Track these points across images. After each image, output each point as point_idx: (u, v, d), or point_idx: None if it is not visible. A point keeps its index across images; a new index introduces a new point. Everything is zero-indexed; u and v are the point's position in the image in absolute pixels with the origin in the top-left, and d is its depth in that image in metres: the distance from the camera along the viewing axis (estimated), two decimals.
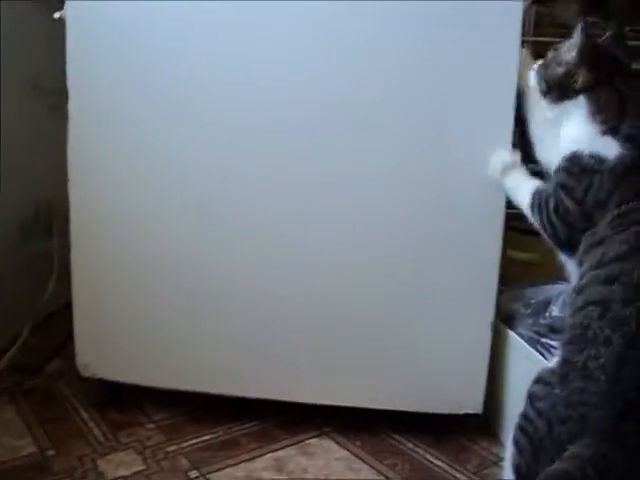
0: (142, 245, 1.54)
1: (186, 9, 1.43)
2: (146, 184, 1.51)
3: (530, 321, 1.56)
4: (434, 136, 1.45)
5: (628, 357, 1.05)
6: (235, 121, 1.46)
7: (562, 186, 1.26)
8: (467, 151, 1.45)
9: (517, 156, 1.41)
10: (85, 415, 1.60)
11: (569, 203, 1.24)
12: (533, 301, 1.59)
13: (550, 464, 1.08)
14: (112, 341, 1.57)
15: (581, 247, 1.21)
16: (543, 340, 1.51)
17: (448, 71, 1.42)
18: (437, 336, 1.52)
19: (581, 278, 1.18)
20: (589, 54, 1.28)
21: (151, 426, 1.57)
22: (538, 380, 1.17)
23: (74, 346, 1.58)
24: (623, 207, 1.17)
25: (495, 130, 1.43)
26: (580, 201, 1.22)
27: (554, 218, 1.27)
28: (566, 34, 1.77)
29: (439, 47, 1.41)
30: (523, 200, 1.35)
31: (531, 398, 1.17)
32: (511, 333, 1.55)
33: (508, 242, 1.64)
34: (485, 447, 1.56)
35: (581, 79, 1.28)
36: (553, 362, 1.19)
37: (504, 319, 1.61)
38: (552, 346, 1.50)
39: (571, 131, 1.28)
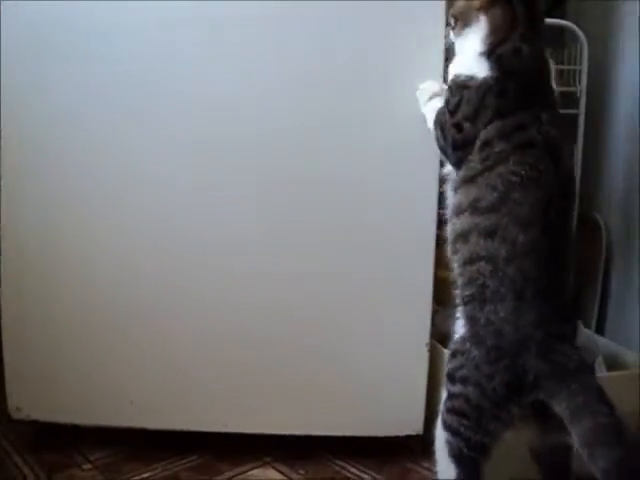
0: (72, 283, 1.51)
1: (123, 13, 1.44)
2: (78, 221, 1.50)
3: None
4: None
5: (522, 308, 1.16)
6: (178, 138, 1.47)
7: (446, 102, 1.32)
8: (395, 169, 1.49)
9: (440, 87, 1.43)
10: (18, 459, 1.54)
11: (447, 116, 1.30)
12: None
13: (494, 421, 1.17)
14: (44, 381, 1.53)
15: (459, 174, 1.27)
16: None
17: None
18: (374, 359, 1.53)
19: (457, 213, 1.24)
20: None
21: (88, 467, 1.53)
22: (454, 354, 1.24)
23: (4, 389, 1.53)
24: (487, 130, 1.22)
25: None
26: (452, 112, 1.28)
27: (437, 129, 1.33)
28: None
29: None
30: (430, 122, 1.39)
31: (451, 374, 1.22)
32: (447, 352, 1.57)
33: (443, 263, 1.66)
34: (428, 467, 1.56)
35: None
36: (459, 332, 1.25)
37: (440, 339, 1.62)
38: None
39: (464, 54, 1.32)
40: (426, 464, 1.57)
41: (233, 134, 1.47)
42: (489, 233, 1.18)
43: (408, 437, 1.56)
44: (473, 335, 1.20)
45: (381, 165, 1.49)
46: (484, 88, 1.24)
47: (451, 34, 1.39)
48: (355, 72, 1.46)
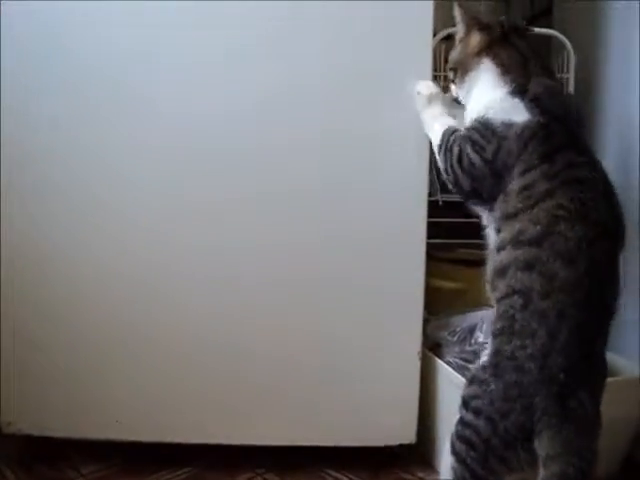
0: (63, 298, 1.51)
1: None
2: (68, 239, 1.50)
3: (457, 348, 1.59)
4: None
5: (552, 347, 1.10)
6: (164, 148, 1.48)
7: (471, 140, 1.27)
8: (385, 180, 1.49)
9: (438, 88, 1.43)
10: (10, 474, 1.54)
11: (476, 158, 1.25)
12: (459, 328, 1.61)
13: (501, 463, 1.13)
14: (35, 395, 1.53)
15: (497, 213, 1.23)
16: (470, 366, 1.54)
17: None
18: (366, 369, 1.53)
19: (500, 249, 1.19)
20: (474, 19, 1.35)
21: None
22: (472, 381, 1.19)
23: None
24: (527, 176, 1.19)
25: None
26: (489, 161, 1.24)
27: (457, 167, 1.29)
28: None
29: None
30: (435, 138, 1.37)
31: (466, 401, 1.18)
32: (439, 361, 1.58)
33: (434, 272, 1.67)
34: (421, 477, 1.57)
35: (475, 41, 1.33)
36: (484, 358, 1.20)
37: (431, 348, 1.63)
38: None
39: (482, 95, 1.30)
40: (420, 474, 1.58)
41: (225, 139, 1.48)
42: (528, 266, 1.13)
43: (401, 447, 1.56)
44: (495, 365, 1.15)
45: (372, 175, 1.49)
46: (528, 135, 1.20)
47: (452, 87, 1.39)
48: (344, 75, 1.47)
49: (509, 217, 1.19)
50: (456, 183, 1.30)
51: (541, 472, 1.08)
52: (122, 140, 1.47)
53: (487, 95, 1.28)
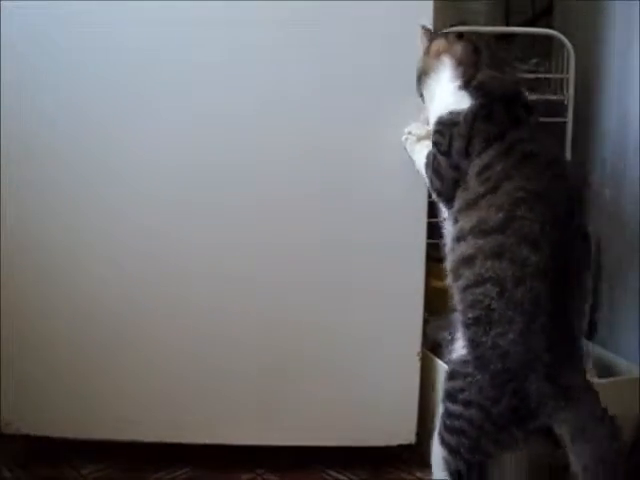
0: (63, 297, 1.51)
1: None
2: (68, 238, 1.49)
3: None
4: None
5: (532, 330, 1.12)
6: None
7: (435, 144, 1.30)
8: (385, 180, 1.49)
9: (426, 129, 1.42)
10: (9, 474, 1.54)
11: (440, 158, 1.28)
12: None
13: (495, 445, 1.16)
14: (34, 395, 1.53)
15: (456, 203, 1.24)
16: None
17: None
18: (365, 369, 1.53)
19: (459, 239, 1.20)
20: (437, 34, 1.38)
21: None
22: (453, 375, 1.21)
23: None
24: (483, 156, 1.20)
25: None
26: (446, 152, 1.27)
27: (430, 172, 1.31)
28: None
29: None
30: (421, 164, 1.38)
31: (450, 395, 1.19)
32: (439, 362, 1.57)
33: (434, 272, 1.67)
34: (420, 477, 1.57)
35: (436, 45, 1.35)
36: (458, 352, 1.22)
37: (431, 348, 1.63)
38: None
39: (441, 95, 1.32)
40: (419, 474, 1.58)
41: (227, 141, 1.47)
42: (496, 254, 1.14)
43: (400, 447, 1.56)
44: (477, 358, 1.16)
45: (372, 176, 1.49)
46: (471, 116, 1.23)
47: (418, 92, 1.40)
48: (344, 76, 1.46)
49: (469, 205, 1.20)
50: (432, 186, 1.33)
51: (572, 456, 1.09)
52: (122, 140, 1.47)
53: (444, 93, 1.31)
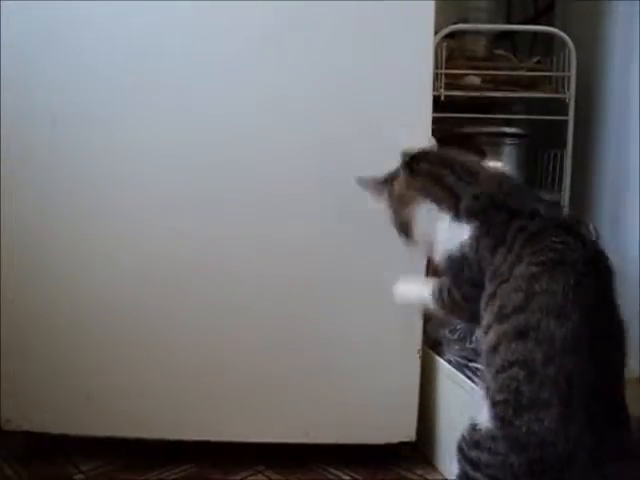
0: (65, 295, 1.51)
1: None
2: (69, 234, 1.49)
3: (457, 346, 1.59)
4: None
5: (570, 413, 1.03)
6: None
7: (451, 277, 1.23)
8: None
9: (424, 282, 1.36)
10: (9, 471, 1.53)
11: (455, 291, 1.22)
12: (459, 327, 1.61)
13: None
14: (34, 393, 1.53)
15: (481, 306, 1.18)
16: (471, 364, 1.54)
17: None
18: (366, 367, 1.53)
19: (486, 331, 1.13)
20: (383, 181, 1.30)
21: (80, 477, 1.52)
22: (477, 445, 1.11)
23: None
24: (494, 261, 1.14)
25: None
26: (458, 287, 1.20)
27: (443, 302, 1.24)
28: (476, 66, 1.84)
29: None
30: (428, 297, 1.29)
31: (474, 464, 1.11)
32: (439, 359, 1.58)
33: (434, 269, 1.67)
34: (420, 474, 1.57)
35: (396, 190, 1.27)
36: (484, 423, 1.11)
37: (432, 346, 1.63)
38: (480, 369, 1.53)
39: (438, 235, 1.24)
40: (419, 471, 1.58)
41: (229, 139, 1.48)
42: (520, 334, 1.05)
43: (401, 444, 1.57)
44: (509, 438, 1.06)
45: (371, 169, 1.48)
46: (474, 240, 1.16)
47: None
48: (345, 73, 1.47)
49: (488, 303, 1.14)
50: (457, 317, 1.29)
51: None
52: (135, 136, 1.48)
53: (439, 231, 1.22)
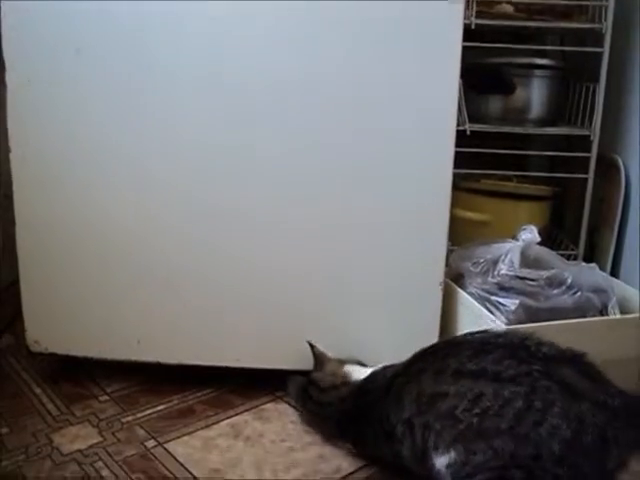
0: (88, 217, 1.51)
1: None
2: (92, 160, 1.49)
3: (479, 280, 1.59)
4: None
5: None
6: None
7: None
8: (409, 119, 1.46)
9: None
10: (38, 390, 1.58)
11: None
12: (482, 260, 1.61)
13: None
14: (62, 315, 1.55)
15: None
16: (492, 298, 1.54)
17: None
18: (387, 297, 1.53)
19: None
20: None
21: (105, 398, 1.56)
22: None
23: (23, 322, 1.56)
24: None
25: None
26: None
27: None
28: None
29: None
30: None
31: None
32: (461, 292, 1.58)
33: (458, 202, 1.66)
34: None
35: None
36: None
37: (454, 278, 1.63)
38: (501, 304, 1.53)
39: None
40: None
41: (243, 122, 1.46)
42: None
43: None
44: None
45: (397, 105, 1.46)
46: None
47: None
48: (370, 73, 1.44)
49: None
50: None
51: None
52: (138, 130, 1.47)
53: None
